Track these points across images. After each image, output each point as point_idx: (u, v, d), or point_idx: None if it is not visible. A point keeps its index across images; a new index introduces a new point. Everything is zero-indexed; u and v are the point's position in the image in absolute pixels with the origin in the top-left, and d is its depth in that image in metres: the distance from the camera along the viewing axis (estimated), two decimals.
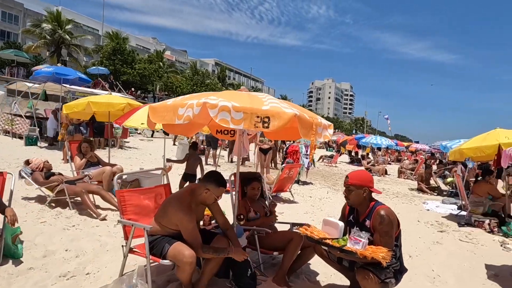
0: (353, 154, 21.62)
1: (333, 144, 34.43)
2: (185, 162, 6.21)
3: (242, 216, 3.35)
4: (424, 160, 17.28)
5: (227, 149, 15.40)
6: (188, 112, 2.39)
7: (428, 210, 7.93)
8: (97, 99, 6.51)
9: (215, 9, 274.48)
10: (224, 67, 62.69)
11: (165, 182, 3.50)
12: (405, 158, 26.68)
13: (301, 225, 3.86)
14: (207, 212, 3.34)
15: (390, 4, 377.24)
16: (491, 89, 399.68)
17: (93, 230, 4.25)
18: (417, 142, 41.50)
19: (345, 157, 22.79)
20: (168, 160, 5.90)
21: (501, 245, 5.27)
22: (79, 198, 5.06)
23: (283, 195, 7.92)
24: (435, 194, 10.54)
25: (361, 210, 2.81)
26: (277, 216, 3.98)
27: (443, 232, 5.88)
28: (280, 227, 3.95)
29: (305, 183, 10.48)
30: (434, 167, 19.04)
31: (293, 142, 11.60)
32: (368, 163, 15.73)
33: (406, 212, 7.40)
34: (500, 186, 9.96)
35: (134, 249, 2.86)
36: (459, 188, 7.69)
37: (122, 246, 2.90)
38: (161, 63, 38.92)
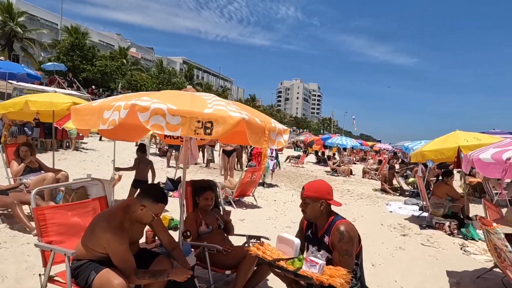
0: (319, 154, 21.77)
1: (301, 144, 34.74)
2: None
3: (188, 233, 2.98)
4: (387, 160, 17.66)
5: None
6: (114, 116, 2.00)
7: (391, 212, 7.92)
8: (36, 97, 5.84)
9: (183, 6, 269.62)
10: (192, 65, 61.47)
11: (102, 193, 3.05)
12: (370, 157, 27.34)
13: (258, 238, 3.57)
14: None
15: (354, 8, 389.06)
16: (446, 92, 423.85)
17: (22, 249, 3.70)
18: (379, 141, 42.83)
19: (312, 157, 22.94)
20: (118, 169, 5.36)
21: (461, 248, 5.26)
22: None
23: (246, 199, 7.61)
24: (397, 194, 10.68)
25: (319, 225, 2.54)
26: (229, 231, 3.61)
27: (405, 236, 5.82)
28: (236, 240, 3.62)
29: (270, 185, 10.24)
30: (397, 166, 19.57)
31: None
32: (333, 163, 15.82)
33: (370, 215, 7.34)
34: (457, 185, 10.24)
35: (55, 278, 2.41)
36: (420, 189, 7.75)
37: (40, 275, 2.44)
38: (124, 60, 37.33)
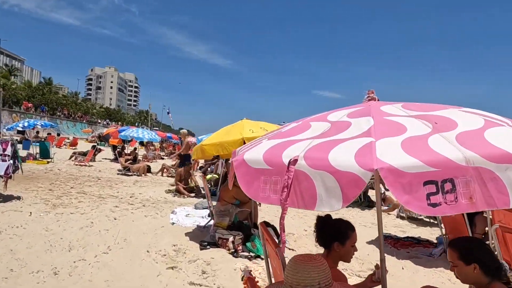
0: (118, 149, 18.54)
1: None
2: None
3: None
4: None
5: None
6: None
7: (174, 223, 6.11)
8: None
9: None
10: None
11: None
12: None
13: None
14: None
15: (175, 1, 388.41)
16: (253, 91, 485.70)
17: None
18: (193, 134, 42.73)
19: (110, 153, 19.41)
20: None
21: (242, 278, 3.83)
22: None
23: None
24: (192, 195, 9.17)
25: None
26: None
27: (173, 270, 3.99)
28: None
29: (6, 198, 6.77)
30: (201, 161, 18.67)
31: None
32: (126, 160, 13.13)
33: (140, 234, 5.26)
34: None
35: None
36: (205, 191, 6.24)
37: None
38: None
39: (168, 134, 27.93)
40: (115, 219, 6.09)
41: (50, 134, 25.55)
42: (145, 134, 14.17)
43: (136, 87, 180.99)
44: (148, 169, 13.38)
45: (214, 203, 5.92)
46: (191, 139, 11.16)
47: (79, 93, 74.80)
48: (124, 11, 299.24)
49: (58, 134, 27.58)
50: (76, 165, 13.97)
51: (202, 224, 6.15)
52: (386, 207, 9.26)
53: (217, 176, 10.79)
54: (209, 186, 10.58)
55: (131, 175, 12.45)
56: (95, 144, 17.38)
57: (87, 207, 6.83)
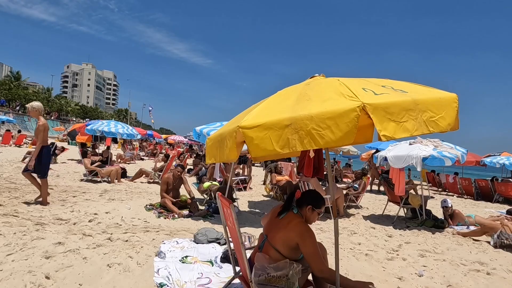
0: (89, 148, 15.26)
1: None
2: None
3: None
4: (178, 154, 13.39)
5: None
6: None
7: (163, 286, 3.18)
8: None
9: None
10: None
11: None
12: (163, 151, 22.96)
13: None
14: None
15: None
16: (231, 92, 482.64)
17: None
18: (174, 134, 39.42)
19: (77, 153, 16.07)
20: None
21: None
22: None
23: None
24: (186, 214, 6.21)
25: None
26: None
27: None
28: None
29: None
30: (190, 162, 15.70)
31: None
32: (92, 163, 9.95)
33: None
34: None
35: None
36: (223, 217, 3.34)
37: None
38: None
39: (149, 132, 24.54)
40: (47, 278, 3.12)
41: (8, 130, 21.85)
42: (119, 128, 10.98)
43: (115, 85, 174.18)
44: (123, 174, 10.30)
45: (219, 228, 3.04)
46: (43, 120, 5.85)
47: (52, 89, 69.53)
48: (102, 8, 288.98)
49: (19, 131, 23.81)
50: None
51: (216, 283, 3.26)
52: (457, 227, 6.65)
53: (217, 184, 7.92)
54: (208, 198, 7.69)
55: (100, 181, 9.36)
56: (54, 141, 14.08)
57: (3, 247, 3.80)
